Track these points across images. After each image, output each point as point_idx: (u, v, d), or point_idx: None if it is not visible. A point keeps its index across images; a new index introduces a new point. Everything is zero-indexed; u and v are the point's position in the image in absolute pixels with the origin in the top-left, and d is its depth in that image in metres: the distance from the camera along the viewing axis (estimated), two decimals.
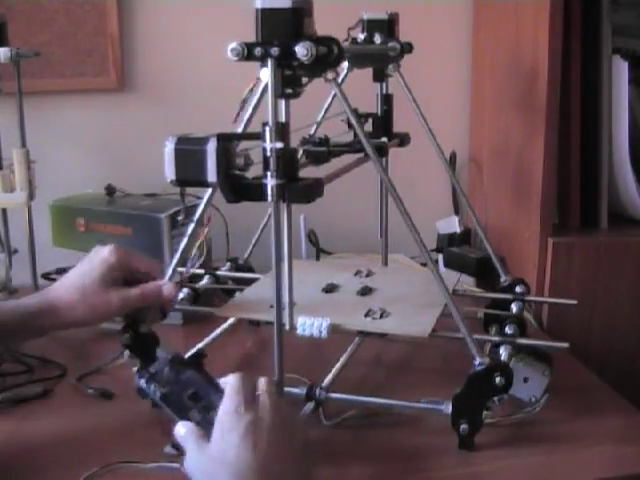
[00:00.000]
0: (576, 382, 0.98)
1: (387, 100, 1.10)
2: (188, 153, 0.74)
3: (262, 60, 0.73)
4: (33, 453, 0.81)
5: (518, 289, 1.05)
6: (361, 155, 0.93)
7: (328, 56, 0.75)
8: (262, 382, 0.72)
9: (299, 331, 0.86)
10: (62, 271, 1.36)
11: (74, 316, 0.82)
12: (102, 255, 0.84)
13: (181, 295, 1.00)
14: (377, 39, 1.02)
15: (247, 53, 0.72)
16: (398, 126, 1.11)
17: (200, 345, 0.98)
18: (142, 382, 0.76)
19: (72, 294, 0.82)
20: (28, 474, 0.78)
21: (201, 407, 0.71)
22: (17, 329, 0.83)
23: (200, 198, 0.90)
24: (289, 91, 0.75)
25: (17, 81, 1.08)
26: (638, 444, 0.83)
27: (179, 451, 0.72)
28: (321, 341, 0.87)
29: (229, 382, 0.72)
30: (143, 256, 0.88)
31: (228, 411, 0.69)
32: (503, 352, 0.85)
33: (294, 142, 0.78)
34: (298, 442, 0.70)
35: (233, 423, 0.68)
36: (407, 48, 1.04)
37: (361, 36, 1.04)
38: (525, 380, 0.86)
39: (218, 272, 1.11)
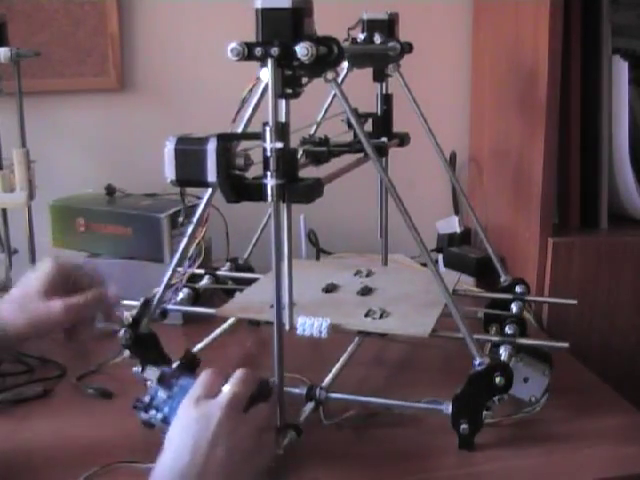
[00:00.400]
0: (576, 382, 0.98)
1: (387, 100, 1.10)
2: (188, 153, 0.74)
3: (262, 60, 0.73)
4: (33, 453, 0.81)
5: (518, 289, 1.05)
6: (361, 155, 0.93)
7: (328, 56, 0.75)
8: (234, 376, 0.73)
9: (299, 331, 0.86)
10: None
11: (16, 329, 0.79)
12: (42, 267, 0.83)
13: (181, 295, 1.00)
14: (377, 39, 1.02)
15: (247, 53, 0.72)
16: (398, 126, 1.11)
17: (200, 345, 0.98)
18: (142, 415, 0.78)
19: (13, 307, 0.80)
20: (28, 474, 0.78)
21: None
22: None
23: (200, 198, 0.90)
24: (289, 91, 0.75)
25: (17, 81, 1.08)
26: (638, 444, 0.83)
27: None
28: (321, 341, 0.87)
29: (200, 375, 0.73)
30: (86, 269, 0.85)
31: (184, 403, 0.71)
32: (503, 352, 0.85)
33: (294, 142, 0.78)
34: (249, 443, 0.70)
35: (183, 415, 0.70)
36: (407, 48, 1.04)
37: (361, 36, 1.03)
38: (525, 380, 0.86)
39: (218, 272, 1.11)
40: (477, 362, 0.80)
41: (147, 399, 0.78)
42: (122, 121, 1.43)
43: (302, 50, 0.71)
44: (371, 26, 1.03)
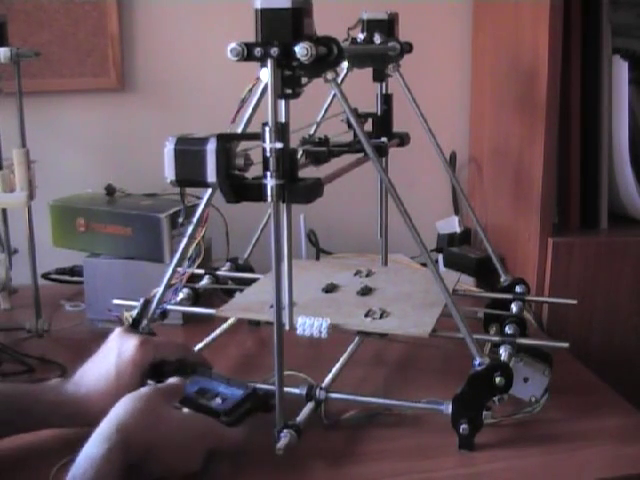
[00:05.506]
0: (576, 382, 0.98)
1: (387, 100, 1.10)
2: (188, 153, 0.74)
3: (262, 60, 0.73)
4: (33, 453, 0.81)
5: (518, 289, 1.05)
6: (361, 155, 0.93)
7: (328, 56, 0.75)
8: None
9: (299, 331, 0.86)
10: (62, 271, 1.37)
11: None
12: (130, 354, 0.83)
13: (181, 295, 1.00)
14: (377, 39, 1.02)
15: (247, 53, 0.72)
16: (398, 126, 1.11)
17: (200, 345, 0.98)
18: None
19: (104, 397, 0.80)
20: (27, 474, 0.78)
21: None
22: (42, 418, 0.81)
23: (200, 198, 0.91)
24: (289, 91, 0.75)
25: (17, 81, 1.08)
26: (638, 444, 0.83)
27: None
28: (321, 341, 0.87)
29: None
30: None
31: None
32: (503, 352, 0.85)
33: (294, 142, 0.78)
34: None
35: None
36: (407, 48, 1.04)
37: (361, 36, 1.04)
38: (525, 380, 0.86)
39: (218, 272, 1.11)
40: (477, 362, 0.80)
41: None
42: (122, 121, 1.43)
43: (302, 50, 0.71)
44: (371, 26, 1.03)
